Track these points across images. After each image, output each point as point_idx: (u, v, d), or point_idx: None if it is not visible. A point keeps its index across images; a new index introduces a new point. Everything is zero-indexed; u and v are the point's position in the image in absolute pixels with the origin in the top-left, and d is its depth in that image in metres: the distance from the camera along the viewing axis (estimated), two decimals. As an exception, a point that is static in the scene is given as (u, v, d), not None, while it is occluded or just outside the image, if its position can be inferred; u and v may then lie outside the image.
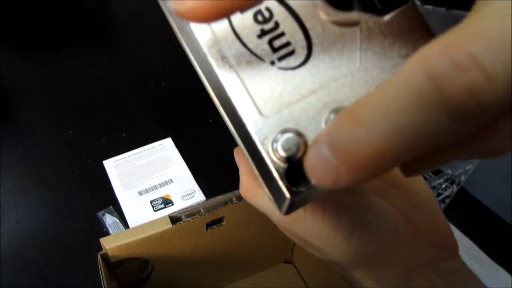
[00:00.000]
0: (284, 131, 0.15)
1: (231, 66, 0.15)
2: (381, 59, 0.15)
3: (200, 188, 0.62)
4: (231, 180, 0.63)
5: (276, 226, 0.46)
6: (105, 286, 0.35)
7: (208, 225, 0.40)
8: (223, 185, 0.62)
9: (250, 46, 0.16)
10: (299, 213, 0.23)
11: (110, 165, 0.65)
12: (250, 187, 0.25)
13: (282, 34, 0.16)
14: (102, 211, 0.60)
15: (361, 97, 0.12)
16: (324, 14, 0.16)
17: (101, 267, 0.36)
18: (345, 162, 0.12)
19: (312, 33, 0.16)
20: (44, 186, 0.64)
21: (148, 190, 0.62)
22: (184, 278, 0.46)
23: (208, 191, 0.61)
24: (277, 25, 0.16)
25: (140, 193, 0.62)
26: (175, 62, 0.87)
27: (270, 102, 0.15)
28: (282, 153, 0.15)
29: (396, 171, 0.26)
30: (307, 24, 0.16)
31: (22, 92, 0.79)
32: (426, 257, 0.23)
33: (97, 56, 0.89)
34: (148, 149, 0.68)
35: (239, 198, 0.39)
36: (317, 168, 0.13)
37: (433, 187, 0.94)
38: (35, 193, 0.63)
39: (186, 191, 0.62)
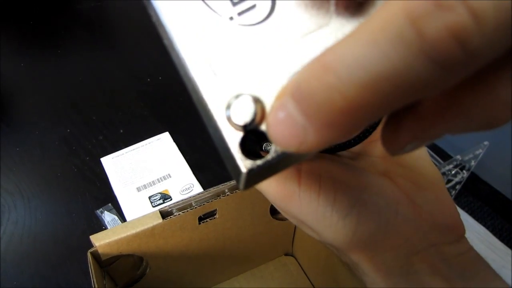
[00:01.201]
0: (239, 96, 0.13)
1: (186, 23, 0.14)
2: (356, 12, 0.13)
3: (198, 182, 0.61)
4: (228, 172, 0.62)
5: (272, 217, 0.45)
6: (95, 284, 0.34)
7: (201, 219, 0.39)
8: (221, 178, 0.61)
9: None
10: (293, 189, 0.21)
11: (108, 162, 0.65)
12: None
13: None
14: (100, 209, 0.59)
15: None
16: None
17: (91, 265, 0.35)
18: (313, 118, 0.10)
19: None
20: (42, 185, 0.63)
21: (146, 186, 0.61)
22: (180, 275, 0.45)
23: (206, 185, 0.60)
24: None
25: (138, 189, 0.61)
26: (170, 56, 0.86)
27: (226, 62, 0.13)
28: (237, 120, 0.13)
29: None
30: None
31: (19, 91, 0.79)
32: (429, 240, 0.22)
33: (93, 52, 0.88)
34: (146, 144, 0.67)
35: (232, 189, 0.38)
36: (279, 128, 0.11)
37: (443, 174, 0.92)
38: (34, 192, 0.63)
39: (184, 186, 0.61)
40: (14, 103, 0.77)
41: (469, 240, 0.23)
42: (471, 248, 0.23)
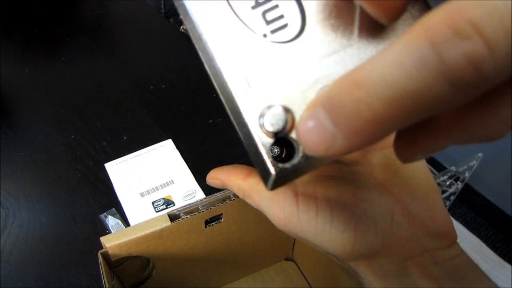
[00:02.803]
0: (272, 106, 0.15)
1: (223, 38, 0.15)
2: (376, 36, 0.15)
3: (201, 188, 0.62)
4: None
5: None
6: (106, 284, 0.35)
7: (207, 222, 0.40)
8: (223, 184, 0.62)
9: (243, 17, 0.15)
10: (292, 211, 0.23)
11: (111, 167, 0.66)
12: (245, 187, 0.26)
13: (275, 7, 0.15)
14: (104, 213, 0.61)
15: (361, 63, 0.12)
16: None
17: (102, 265, 0.36)
18: (342, 126, 0.12)
19: (306, 6, 0.15)
20: (47, 190, 0.64)
21: (150, 191, 0.62)
22: (185, 277, 0.46)
23: (208, 191, 0.61)
24: None
25: (142, 195, 0.62)
26: (174, 65, 0.88)
27: (260, 75, 0.15)
28: (269, 128, 0.14)
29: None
30: None
31: (23, 97, 0.80)
32: (422, 246, 0.23)
33: (96, 59, 0.90)
34: (149, 151, 0.68)
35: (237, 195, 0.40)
36: (310, 134, 0.13)
37: (438, 184, 0.93)
38: (38, 197, 0.64)
39: (187, 191, 0.62)
40: (18, 109, 0.78)
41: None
42: (462, 252, 0.24)
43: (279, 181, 0.16)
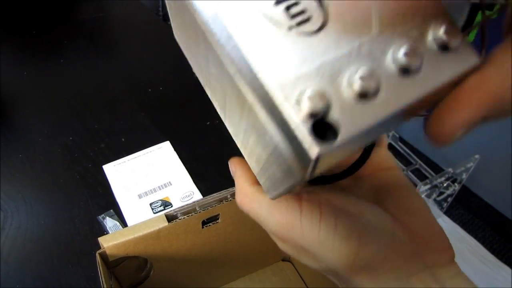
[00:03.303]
0: (305, 91, 0.15)
1: (250, 34, 0.16)
2: (396, 24, 0.16)
3: (198, 190, 0.63)
4: (228, 181, 0.63)
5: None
6: (104, 284, 0.35)
7: (204, 223, 0.41)
8: (220, 186, 0.62)
9: (268, 12, 0.16)
10: (295, 216, 0.23)
11: (109, 169, 0.66)
12: (248, 192, 0.25)
13: (296, 3, 0.16)
14: (102, 215, 0.61)
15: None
16: None
17: (100, 265, 0.37)
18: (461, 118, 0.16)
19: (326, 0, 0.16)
20: (45, 191, 0.65)
21: (148, 193, 0.63)
22: (182, 278, 0.47)
23: (206, 192, 0.62)
24: None
25: (140, 196, 0.62)
26: (171, 67, 0.88)
27: (290, 65, 0.16)
28: (306, 110, 0.15)
29: (390, 179, 0.27)
30: None
31: (22, 99, 0.81)
32: (424, 262, 0.23)
33: (95, 62, 0.90)
34: (147, 152, 0.68)
35: (234, 195, 0.40)
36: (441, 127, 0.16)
37: (435, 186, 0.94)
38: (37, 198, 0.64)
39: (184, 193, 0.62)
40: (17, 111, 0.79)
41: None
42: (461, 272, 0.25)
43: (321, 161, 0.16)
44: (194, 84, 0.86)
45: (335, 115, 0.15)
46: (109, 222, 0.60)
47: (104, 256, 0.37)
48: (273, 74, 0.15)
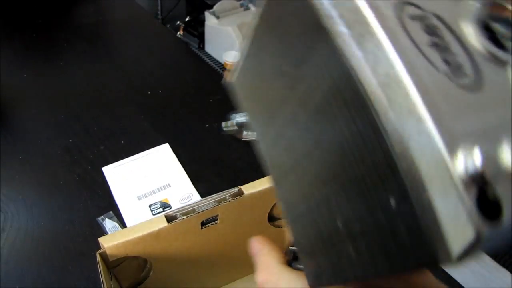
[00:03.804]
0: (471, 149, 0.12)
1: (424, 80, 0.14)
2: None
3: (197, 191, 0.63)
4: (227, 182, 0.65)
5: (269, 224, 0.47)
6: (104, 284, 0.36)
7: (203, 224, 0.41)
8: (219, 188, 0.63)
9: (429, 57, 0.14)
10: None
11: (109, 171, 0.67)
12: (276, 271, 0.25)
13: (452, 52, 0.15)
14: (102, 216, 0.61)
15: None
16: (480, 44, 0.15)
17: (100, 265, 0.37)
18: None
19: (476, 58, 0.15)
20: (45, 193, 0.65)
21: (147, 195, 0.63)
22: (182, 278, 0.47)
23: (205, 194, 0.62)
24: (445, 41, 0.15)
25: (139, 198, 0.63)
26: (171, 70, 0.89)
27: (454, 116, 0.13)
28: (473, 174, 0.12)
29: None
30: (470, 48, 0.15)
31: (21, 102, 0.81)
32: None
33: (94, 65, 0.91)
34: (146, 154, 0.69)
35: (233, 196, 0.41)
36: None
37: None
38: (36, 200, 0.64)
39: (183, 195, 0.63)
40: (17, 113, 0.79)
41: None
42: None
43: (477, 244, 0.12)
44: (193, 87, 0.87)
45: (498, 189, 0.12)
46: (109, 224, 0.60)
47: (104, 256, 0.38)
48: (439, 122, 0.13)
